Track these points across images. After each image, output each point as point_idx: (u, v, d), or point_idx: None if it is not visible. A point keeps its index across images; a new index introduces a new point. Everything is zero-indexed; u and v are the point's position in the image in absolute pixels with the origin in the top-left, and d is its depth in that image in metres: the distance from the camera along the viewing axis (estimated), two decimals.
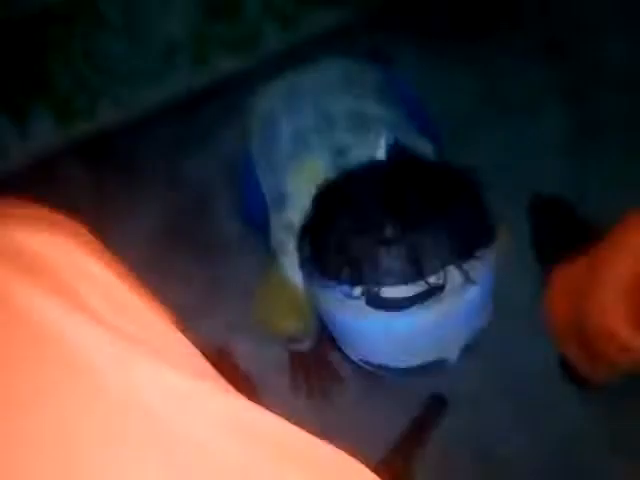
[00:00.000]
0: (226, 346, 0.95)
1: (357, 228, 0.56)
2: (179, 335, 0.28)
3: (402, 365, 0.60)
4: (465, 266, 0.55)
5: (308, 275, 0.61)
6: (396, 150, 0.65)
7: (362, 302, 0.56)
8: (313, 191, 0.61)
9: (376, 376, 0.69)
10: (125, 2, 1.13)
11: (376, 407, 0.92)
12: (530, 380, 0.92)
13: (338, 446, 0.26)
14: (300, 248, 0.62)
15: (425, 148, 0.70)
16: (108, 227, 1.10)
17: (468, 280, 0.55)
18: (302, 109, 0.73)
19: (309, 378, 0.96)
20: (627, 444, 0.86)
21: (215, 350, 0.93)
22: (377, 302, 0.55)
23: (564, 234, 0.90)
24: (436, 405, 0.89)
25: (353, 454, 0.27)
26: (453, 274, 0.55)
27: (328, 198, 0.60)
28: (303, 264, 0.61)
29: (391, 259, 0.54)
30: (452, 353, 0.60)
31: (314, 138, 0.70)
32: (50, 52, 1.15)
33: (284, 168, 0.71)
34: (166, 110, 1.11)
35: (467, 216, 0.57)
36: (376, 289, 0.54)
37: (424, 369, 0.60)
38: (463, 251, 0.55)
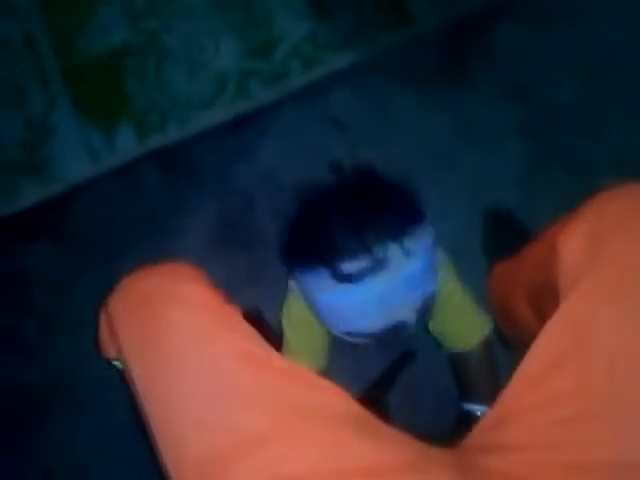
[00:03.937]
0: (258, 310, 1.27)
1: (322, 224, 0.72)
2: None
3: (370, 330, 0.72)
4: (404, 243, 0.68)
5: (290, 268, 0.80)
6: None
7: (329, 277, 0.69)
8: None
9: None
10: (186, 40, 1.44)
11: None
12: None
13: None
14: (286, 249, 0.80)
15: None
16: (177, 217, 1.47)
17: (407, 253, 0.68)
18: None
19: None
20: None
21: (253, 312, 1.28)
22: (340, 276, 0.69)
23: (508, 241, 1.18)
24: (405, 357, 1.10)
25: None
26: (395, 251, 0.68)
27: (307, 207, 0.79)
28: (285, 258, 0.80)
29: (344, 240, 0.69)
30: (410, 317, 0.72)
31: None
32: (129, 78, 1.48)
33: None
34: (218, 128, 1.41)
35: (400, 207, 0.72)
36: (337, 265, 0.68)
37: (390, 331, 0.71)
38: (398, 230, 0.69)
